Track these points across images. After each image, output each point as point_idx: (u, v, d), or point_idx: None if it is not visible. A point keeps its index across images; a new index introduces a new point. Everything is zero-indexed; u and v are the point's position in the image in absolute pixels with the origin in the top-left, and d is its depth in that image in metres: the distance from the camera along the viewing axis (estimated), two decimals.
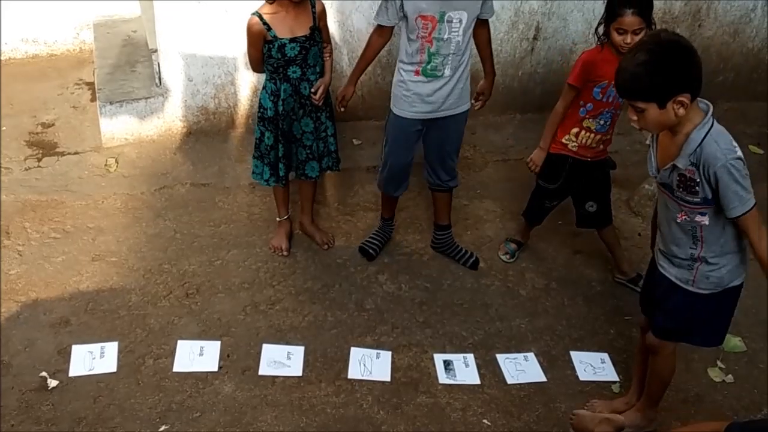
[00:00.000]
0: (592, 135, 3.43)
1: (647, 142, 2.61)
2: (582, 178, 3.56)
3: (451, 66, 3.32)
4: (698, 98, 2.42)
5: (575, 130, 3.45)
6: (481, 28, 3.44)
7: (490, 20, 3.46)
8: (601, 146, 3.48)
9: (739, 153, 2.39)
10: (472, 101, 3.59)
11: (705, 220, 2.51)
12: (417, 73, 3.34)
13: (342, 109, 3.60)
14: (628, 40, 3.18)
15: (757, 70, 5.31)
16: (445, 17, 3.20)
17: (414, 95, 3.38)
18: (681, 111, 2.33)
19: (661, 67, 2.28)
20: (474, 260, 3.81)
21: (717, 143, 2.37)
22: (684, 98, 2.31)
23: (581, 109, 3.41)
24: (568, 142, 3.48)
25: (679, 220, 2.57)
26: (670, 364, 2.89)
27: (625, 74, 2.35)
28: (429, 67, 3.31)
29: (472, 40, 3.38)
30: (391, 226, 3.93)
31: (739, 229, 2.51)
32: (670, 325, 2.75)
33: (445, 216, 3.82)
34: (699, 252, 2.58)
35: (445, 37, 3.24)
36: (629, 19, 3.15)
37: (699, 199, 2.46)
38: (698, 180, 2.42)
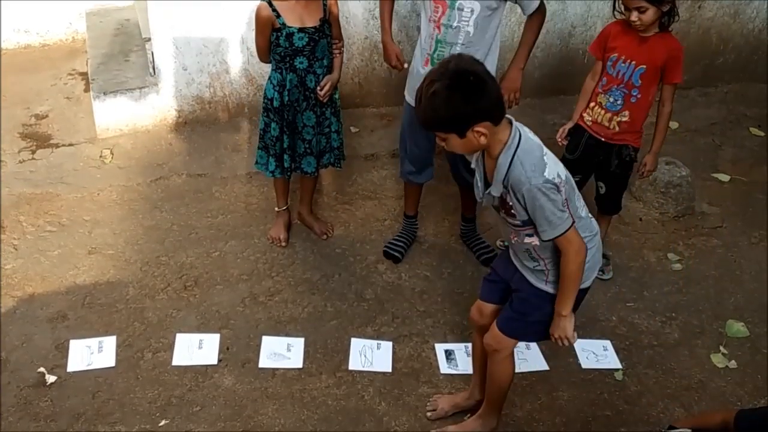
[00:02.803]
0: (603, 112, 3.37)
1: (472, 165, 2.48)
2: (597, 158, 3.48)
3: None
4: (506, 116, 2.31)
5: (592, 103, 3.43)
6: (529, 21, 3.35)
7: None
8: (616, 128, 3.36)
9: (548, 174, 2.27)
10: None
11: (535, 241, 2.43)
12: (426, 63, 3.27)
13: (406, 66, 3.41)
14: (633, 18, 3.13)
15: (757, 51, 5.27)
16: (456, 4, 3.12)
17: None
18: (482, 140, 2.24)
19: (450, 102, 2.18)
20: (490, 256, 3.74)
21: (522, 165, 2.26)
22: (482, 128, 2.22)
23: (599, 83, 3.39)
24: (585, 115, 3.46)
25: (513, 241, 2.52)
26: (508, 368, 2.76)
27: (419, 105, 2.26)
28: (436, 55, 3.23)
29: (492, 39, 3.25)
30: (415, 224, 3.86)
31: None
32: (523, 320, 2.61)
33: (471, 209, 3.80)
34: (543, 266, 2.50)
35: (454, 24, 3.15)
36: None
37: (519, 222, 2.39)
38: (511, 203, 2.34)
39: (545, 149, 2.35)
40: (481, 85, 2.20)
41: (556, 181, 2.29)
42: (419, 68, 3.31)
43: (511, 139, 2.29)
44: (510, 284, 2.66)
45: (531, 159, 2.28)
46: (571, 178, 2.42)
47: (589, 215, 2.56)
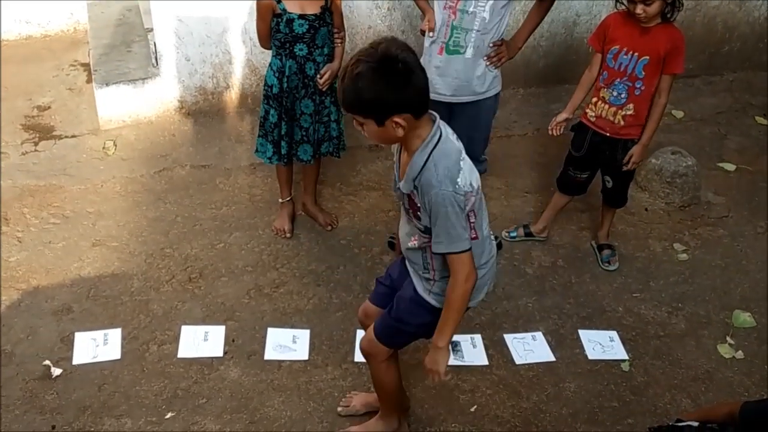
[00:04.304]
0: (607, 106, 3.33)
1: (394, 159, 2.36)
2: (604, 153, 3.45)
3: (474, 45, 3.18)
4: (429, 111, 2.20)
5: (594, 99, 3.39)
6: (538, 5, 3.35)
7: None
8: (621, 122, 3.33)
9: (460, 181, 2.15)
10: (489, 46, 3.23)
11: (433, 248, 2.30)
12: (441, 51, 3.22)
13: (431, 34, 3.24)
14: (639, 10, 3.09)
15: (763, 39, 5.23)
16: None
17: (439, 74, 3.26)
18: (399, 131, 2.13)
19: (373, 86, 2.06)
20: (495, 244, 3.72)
21: (435, 168, 2.14)
22: (401, 119, 2.10)
23: (600, 77, 3.35)
24: (588, 111, 3.43)
25: (409, 245, 2.39)
26: (386, 374, 2.68)
27: (341, 85, 2.14)
28: (451, 42, 3.19)
29: (503, 28, 3.24)
30: None
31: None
32: (399, 327, 2.52)
33: None
34: (432, 276, 2.39)
35: (470, 10, 3.12)
36: None
37: (422, 227, 2.27)
38: (419, 205, 2.22)
39: (464, 155, 2.23)
40: (408, 74, 2.08)
41: (467, 189, 2.18)
42: (433, 58, 3.27)
43: (430, 137, 2.18)
44: (398, 290, 2.57)
45: (446, 162, 2.16)
46: (482, 193, 2.31)
47: (492, 236, 2.47)
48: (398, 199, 2.38)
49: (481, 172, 3.59)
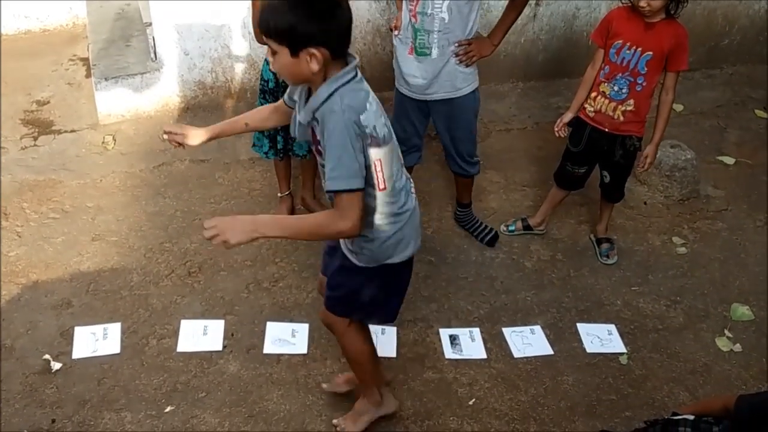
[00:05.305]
0: (607, 101, 3.31)
1: (295, 97, 2.25)
2: (602, 148, 3.44)
3: (438, 45, 3.18)
4: (348, 56, 2.11)
5: (593, 93, 3.37)
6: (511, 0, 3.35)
7: None
8: (621, 118, 3.31)
9: (364, 120, 2.05)
10: (455, 45, 3.20)
11: None
12: (411, 51, 3.24)
13: (396, 32, 3.29)
14: (643, 3, 3.08)
15: (763, 32, 5.22)
16: None
17: (406, 74, 3.30)
18: (314, 66, 2.02)
19: (297, 9, 1.97)
20: (491, 236, 3.75)
21: (341, 98, 2.04)
22: (317, 52, 2.00)
23: (601, 71, 3.33)
24: (587, 106, 3.40)
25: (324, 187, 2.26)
26: (353, 343, 2.62)
27: (262, 4, 2.04)
28: (418, 44, 3.20)
29: (470, 28, 3.21)
30: None
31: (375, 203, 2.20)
32: (335, 294, 2.49)
33: (466, 196, 3.79)
34: None
35: (428, 12, 3.12)
36: None
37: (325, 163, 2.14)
38: (319, 138, 2.11)
39: (372, 99, 2.13)
40: (333, 7, 2.01)
41: (368, 131, 2.08)
42: (404, 56, 3.28)
43: (343, 73, 2.07)
44: None
45: (352, 96, 2.07)
46: (395, 142, 2.21)
47: (411, 190, 2.37)
48: (300, 138, 2.26)
49: (473, 174, 3.64)
